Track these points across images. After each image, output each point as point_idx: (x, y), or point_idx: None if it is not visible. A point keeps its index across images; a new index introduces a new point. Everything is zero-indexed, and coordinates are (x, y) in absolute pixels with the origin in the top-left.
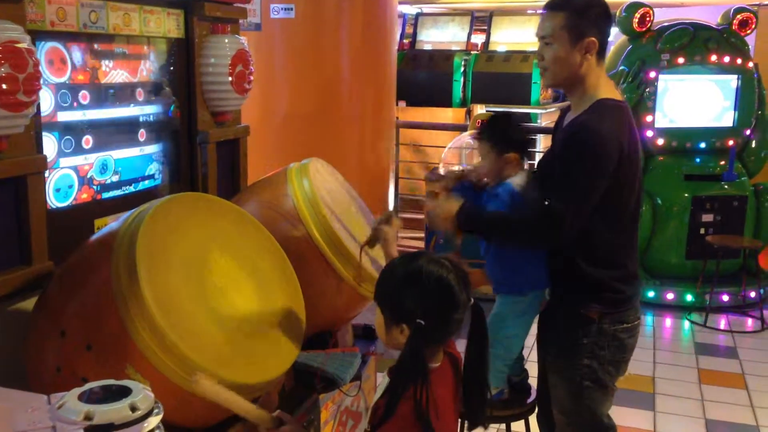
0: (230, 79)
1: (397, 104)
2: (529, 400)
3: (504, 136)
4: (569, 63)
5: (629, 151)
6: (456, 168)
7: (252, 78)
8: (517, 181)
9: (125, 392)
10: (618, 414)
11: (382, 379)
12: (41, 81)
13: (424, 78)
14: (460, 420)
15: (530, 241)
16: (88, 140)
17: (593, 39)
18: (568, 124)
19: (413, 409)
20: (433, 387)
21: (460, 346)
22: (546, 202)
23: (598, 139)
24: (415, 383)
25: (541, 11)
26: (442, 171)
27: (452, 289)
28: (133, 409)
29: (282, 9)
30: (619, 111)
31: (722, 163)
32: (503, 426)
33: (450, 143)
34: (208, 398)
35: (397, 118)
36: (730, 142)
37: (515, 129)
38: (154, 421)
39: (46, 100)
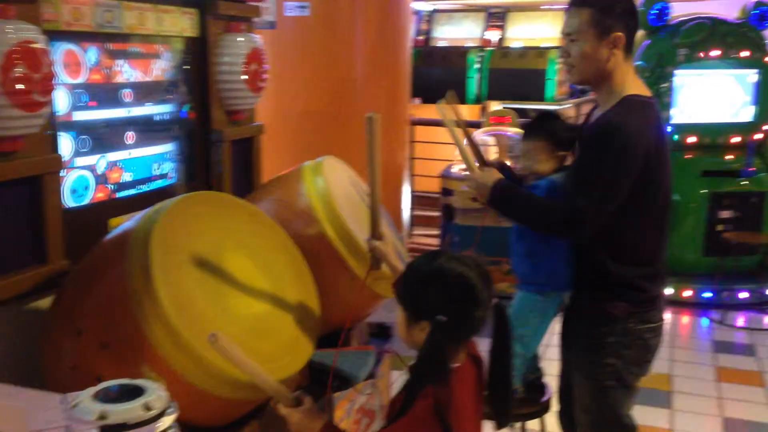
0: (245, 77)
1: (411, 101)
2: (544, 399)
3: (557, 133)
4: (596, 59)
5: (657, 149)
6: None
7: (266, 76)
8: (558, 178)
9: (140, 392)
10: (635, 412)
11: (399, 377)
12: (56, 81)
13: (438, 75)
14: (486, 420)
15: (552, 230)
16: (103, 140)
17: (620, 34)
18: (595, 120)
19: (432, 408)
20: (453, 387)
21: (484, 345)
22: (570, 198)
23: (624, 136)
24: (435, 381)
25: (564, 8)
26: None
27: (474, 287)
28: (148, 408)
29: (296, 7)
30: (647, 107)
31: (741, 159)
32: (518, 424)
33: (464, 140)
34: (226, 359)
35: (412, 115)
36: (749, 138)
37: (566, 127)
38: (168, 420)
39: (62, 100)
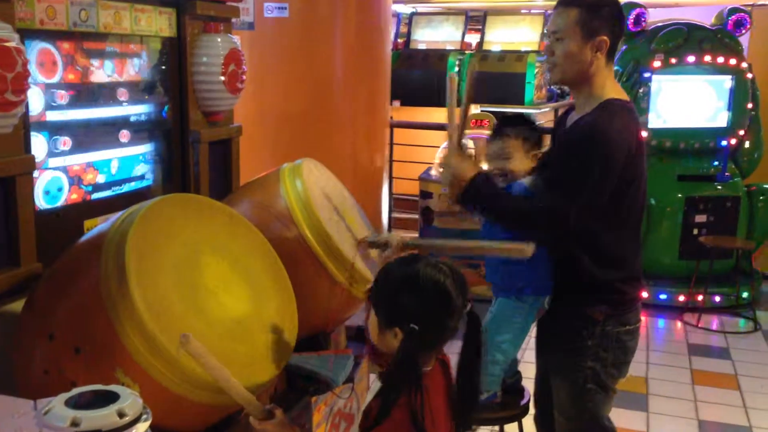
0: (222, 78)
1: (391, 104)
2: (523, 402)
3: (529, 133)
4: (579, 60)
5: (636, 153)
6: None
7: (245, 78)
8: (529, 181)
9: (114, 397)
10: (612, 415)
11: (377, 381)
12: (30, 80)
13: (418, 77)
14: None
15: (529, 229)
16: (78, 140)
17: (605, 38)
18: (573, 124)
19: (409, 417)
20: (429, 394)
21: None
22: (547, 199)
23: (608, 139)
24: (409, 389)
25: (542, 12)
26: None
27: (449, 295)
28: (121, 414)
29: (275, 8)
30: (628, 112)
31: (716, 163)
32: (497, 428)
33: (444, 143)
34: (197, 363)
35: (392, 117)
36: (724, 143)
37: (534, 127)
38: (142, 427)
39: (36, 100)
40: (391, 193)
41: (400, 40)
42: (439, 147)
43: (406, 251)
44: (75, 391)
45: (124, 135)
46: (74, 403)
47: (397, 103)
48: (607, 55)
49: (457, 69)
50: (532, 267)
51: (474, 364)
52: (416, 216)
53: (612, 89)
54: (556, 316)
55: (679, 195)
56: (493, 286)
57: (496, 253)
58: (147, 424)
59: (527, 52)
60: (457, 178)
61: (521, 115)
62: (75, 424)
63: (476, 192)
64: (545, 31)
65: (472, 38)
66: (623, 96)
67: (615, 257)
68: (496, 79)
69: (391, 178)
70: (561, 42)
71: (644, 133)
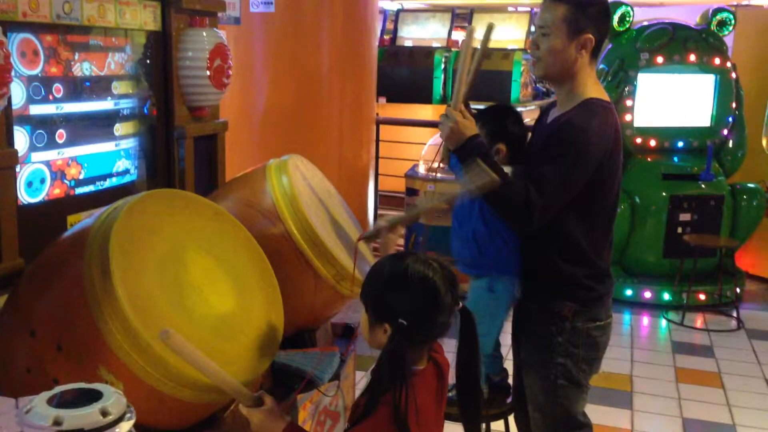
0: (208, 73)
1: (377, 100)
2: (509, 400)
3: (499, 125)
4: (563, 56)
5: (612, 153)
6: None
7: (230, 72)
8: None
9: (96, 396)
10: (596, 412)
11: (363, 378)
12: (12, 73)
13: (404, 74)
14: (454, 422)
15: (501, 210)
16: (61, 134)
17: (590, 36)
18: (553, 119)
19: (392, 412)
20: (416, 391)
21: (449, 346)
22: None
23: (584, 138)
24: (395, 385)
25: (529, 10)
26: (422, 169)
27: (437, 290)
28: (104, 413)
29: (261, 3)
30: (607, 112)
31: (700, 162)
32: (483, 425)
33: (430, 140)
34: (181, 357)
35: (377, 114)
36: (708, 142)
37: (514, 122)
38: (125, 426)
39: (18, 93)
40: (377, 190)
41: (386, 37)
42: (425, 144)
43: (396, 229)
44: (57, 389)
45: (108, 129)
46: (57, 402)
47: (383, 100)
48: (591, 54)
49: (443, 66)
50: (498, 245)
51: (472, 359)
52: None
53: (593, 88)
54: (526, 312)
55: (664, 194)
56: (459, 264)
57: (472, 193)
58: (131, 423)
59: (513, 50)
60: (456, 132)
61: (504, 106)
62: (57, 423)
63: (470, 152)
64: (532, 29)
65: (459, 35)
66: (604, 96)
67: (583, 254)
68: (482, 77)
69: (377, 174)
70: (546, 37)
71: (628, 132)
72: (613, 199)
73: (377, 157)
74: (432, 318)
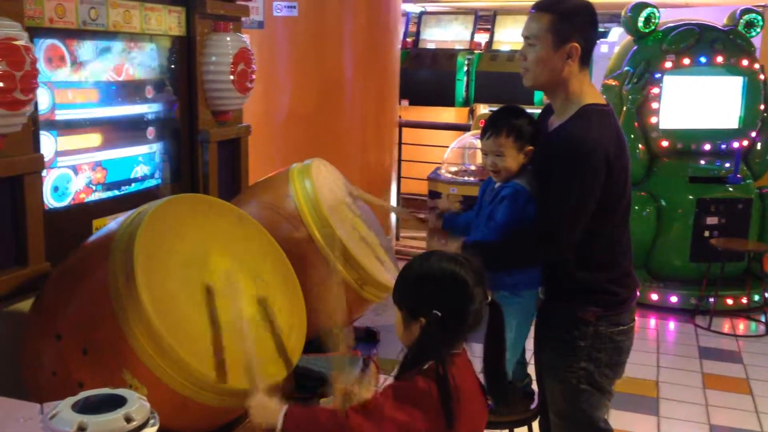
0: (232, 77)
1: (399, 103)
2: (533, 406)
3: (522, 128)
4: (550, 66)
5: (616, 156)
6: (438, 201)
7: (254, 77)
8: (521, 180)
9: (121, 401)
10: (622, 419)
11: (385, 382)
12: (39, 79)
13: (427, 77)
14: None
15: (533, 263)
16: (86, 139)
17: (576, 45)
18: (554, 130)
19: (434, 386)
20: (454, 371)
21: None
22: (539, 221)
23: (588, 150)
24: (436, 363)
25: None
26: (444, 172)
27: (465, 283)
28: (128, 419)
29: (285, 7)
30: (606, 116)
31: (727, 165)
32: (506, 431)
33: (453, 143)
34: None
35: (400, 117)
36: (735, 144)
37: (530, 121)
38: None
39: (44, 98)
40: (399, 193)
41: (408, 40)
42: (447, 147)
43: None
44: (82, 394)
45: (133, 134)
46: (81, 407)
47: (405, 103)
48: (580, 62)
49: (465, 68)
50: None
51: (499, 350)
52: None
53: (588, 93)
54: (549, 317)
55: (690, 197)
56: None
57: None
58: (155, 429)
59: None
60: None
61: (515, 108)
62: (82, 428)
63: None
64: None
65: (482, 38)
66: (600, 99)
67: (603, 259)
68: (505, 79)
69: (399, 177)
70: (533, 47)
71: (654, 134)
72: (627, 200)
73: (399, 160)
74: (464, 309)
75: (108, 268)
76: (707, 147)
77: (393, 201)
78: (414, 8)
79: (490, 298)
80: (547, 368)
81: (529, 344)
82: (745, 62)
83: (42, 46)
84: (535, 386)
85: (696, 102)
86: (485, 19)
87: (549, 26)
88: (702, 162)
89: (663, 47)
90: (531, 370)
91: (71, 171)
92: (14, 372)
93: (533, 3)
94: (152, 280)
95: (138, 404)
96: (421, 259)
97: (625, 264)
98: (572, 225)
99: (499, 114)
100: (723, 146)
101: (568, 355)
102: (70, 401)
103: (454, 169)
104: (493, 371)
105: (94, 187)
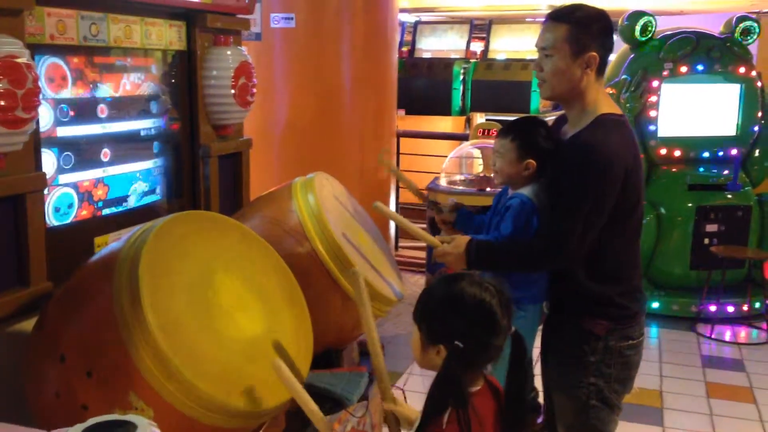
0: (233, 91)
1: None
2: (540, 420)
3: (531, 139)
4: (569, 76)
5: (633, 167)
6: (451, 200)
7: (255, 91)
8: (527, 192)
9: (131, 428)
10: (626, 430)
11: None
12: (41, 96)
13: (423, 86)
14: None
15: (539, 267)
16: (88, 155)
17: (594, 54)
18: (569, 140)
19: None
20: (476, 411)
21: None
22: (549, 225)
23: (605, 159)
24: (456, 406)
25: (542, 21)
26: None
27: (494, 315)
28: None
29: (282, 18)
30: (622, 126)
31: (726, 172)
32: None
33: (451, 153)
34: (283, 383)
35: (397, 127)
36: (734, 152)
37: (545, 136)
38: None
39: (46, 116)
40: (398, 203)
41: (404, 49)
42: (446, 157)
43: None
44: (90, 421)
45: (134, 149)
46: None
47: (402, 112)
48: (597, 70)
49: (461, 77)
50: (527, 278)
51: (521, 384)
52: (424, 226)
53: (604, 103)
54: (556, 329)
55: (690, 204)
56: None
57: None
58: None
59: (532, 61)
60: (457, 260)
61: (536, 119)
62: None
63: (476, 260)
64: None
65: (477, 46)
66: (616, 110)
67: (612, 272)
68: (501, 88)
69: (398, 187)
70: (550, 58)
71: (653, 142)
72: (640, 214)
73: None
74: (488, 342)
75: (113, 289)
76: (706, 154)
77: (392, 209)
78: (409, 18)
79: (513, 329)
80: (555, 383)
81: (535, 354)
82: (742, 69)
83: (43, 63)
84: (541, 399)
85: (694, 110)
86: (480, 28)
87: (566, 36)
88: (701, 169)
89: (660, 55)
90: (537, 382)
91: (72, 189)
92: (16, 392)
93: (532, 12)
94: (158, 300)
95: (148, 430)
96: (449, 281)
97: (636, 278)
98: (583, 233)
99: (520, 120)
100: (721, 153)
101: (578, 371)
102: (79, 428)
103: (452, 178)
104: (514, 403)
105: (95, 204)
